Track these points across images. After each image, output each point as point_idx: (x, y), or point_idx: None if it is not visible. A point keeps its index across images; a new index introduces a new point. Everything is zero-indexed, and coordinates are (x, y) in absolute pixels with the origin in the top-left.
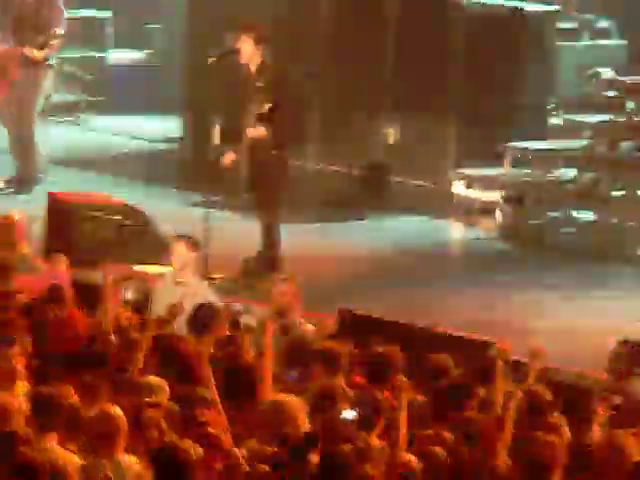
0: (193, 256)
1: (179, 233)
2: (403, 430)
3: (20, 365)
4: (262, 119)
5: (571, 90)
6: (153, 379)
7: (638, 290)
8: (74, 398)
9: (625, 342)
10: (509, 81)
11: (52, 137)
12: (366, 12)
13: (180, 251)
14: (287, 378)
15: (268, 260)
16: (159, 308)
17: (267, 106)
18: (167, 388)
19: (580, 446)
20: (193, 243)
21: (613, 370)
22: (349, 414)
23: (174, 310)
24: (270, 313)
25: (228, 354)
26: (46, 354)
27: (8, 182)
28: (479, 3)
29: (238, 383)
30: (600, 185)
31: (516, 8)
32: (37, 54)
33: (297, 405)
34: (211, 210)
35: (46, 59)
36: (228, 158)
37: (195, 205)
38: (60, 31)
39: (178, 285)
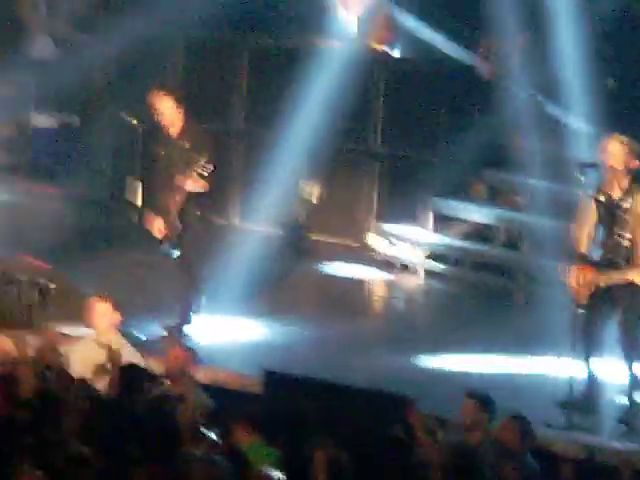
0: (117, 316)
1: (102, 294)
2: None
3: None
4: (200, 175)
5: None
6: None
7: None
8: None
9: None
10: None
11: None
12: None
13: (104, 311)
14: None
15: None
16: (80, 369)
17: (210, 167)
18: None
19: None
20: (117, 303)
21: None
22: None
23: (100, 371)
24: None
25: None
26: None
27: None
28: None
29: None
30: None
31: None
32: None
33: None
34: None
35: None
36: (155, 224)
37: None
38: None
39: (101, 346)
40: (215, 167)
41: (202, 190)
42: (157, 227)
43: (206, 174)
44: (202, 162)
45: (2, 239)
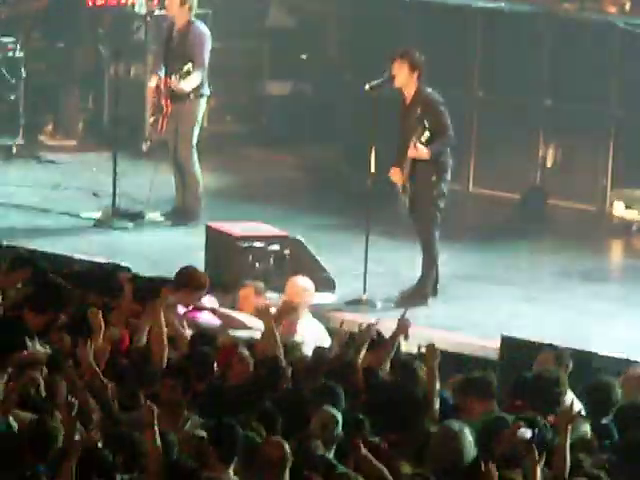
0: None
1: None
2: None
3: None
4: (421, 143)
5: None
6: None
7: None
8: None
9: None
10: None
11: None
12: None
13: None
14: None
15: (427, 282)
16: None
17: (427, 134)
18: None
19: None
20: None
21: None
22: (526, 433)
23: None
24: None
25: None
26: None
27: (166, 214)
28: None
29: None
30: None
31: None
32: (182, 85)
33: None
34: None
35: (194, 90)
36: (396, 174)
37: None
38: (201, 61)
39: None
40: (439, 133)
41: (423, 157)
42: (397, 176)
43: (424, 140)
44: (422, 127)
45: (235, 206)
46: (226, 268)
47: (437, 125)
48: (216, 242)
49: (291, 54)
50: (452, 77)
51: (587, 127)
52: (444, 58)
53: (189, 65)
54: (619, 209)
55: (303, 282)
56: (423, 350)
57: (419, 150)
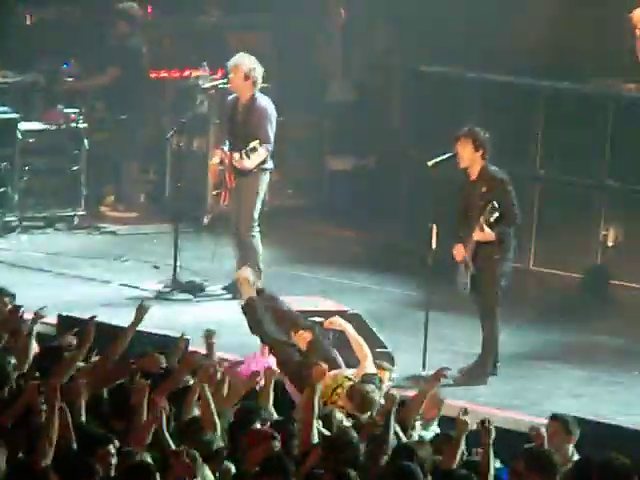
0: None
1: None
2: None
3: None
4: (489, 224)
5: None
6: None
7: None
8: None
9: None
10: None
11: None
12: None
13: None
14: None
15: (487, 360)
16: None
17: (495, 215)
18: None
19: None
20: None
21: None
22: None
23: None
24: None
25: None
26: None
27: (227, 288)
28: None
29: None
30: None
31: None
32: (246, 163)
33: None
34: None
35: (258, 165)
36: (459, 251)
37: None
38: (267, 137)
39: None
40: (505, 213)
41: (489, 239)
42: (460, 253)
43: (492, 220)
44: (490, 208)
45: (294, 279)
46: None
47: (505, 205)
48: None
49: (353, 128)
50: (514, 156)
51: None
52: (507, 136)
53: (255, 142)
54: None
55: None
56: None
57: (486, 233)
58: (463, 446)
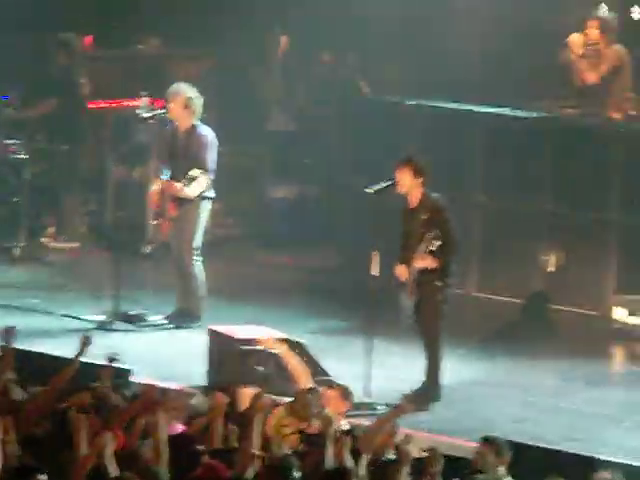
0: (344, 407)
1: (336, 383)
2: None
3: None
4: (430, 252)
5: None
6: None
7: None
8: None
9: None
10: None
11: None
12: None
13: (333, 399)
14: None
15: (430, 386)
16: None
17: (437, 243)
18: None
19: None
20: (347, 395)
21: None
22: None
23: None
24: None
25: None
26: None
27: (168, 317)
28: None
29: None
30: None
31: None
32: (187, 191)
33: None
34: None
35: (199, 194)
36: (402, 271)
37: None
38: (208, 166)
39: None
40: (447, 240)
41: (431, 266)
42: (403, 272)
43: (434, 249)
44: (431, 237)
45: (237, 308)
46: (227, 371)
47: (445, 232)
48: (218, 345)
49: (295, 158)
50: (456, 182)
51: (589, 232)
52: (448, 163)
53: (196, 171)
54: (622, 315)
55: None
56: (425, 454)
57: (427, 260)
58: (406, 475)
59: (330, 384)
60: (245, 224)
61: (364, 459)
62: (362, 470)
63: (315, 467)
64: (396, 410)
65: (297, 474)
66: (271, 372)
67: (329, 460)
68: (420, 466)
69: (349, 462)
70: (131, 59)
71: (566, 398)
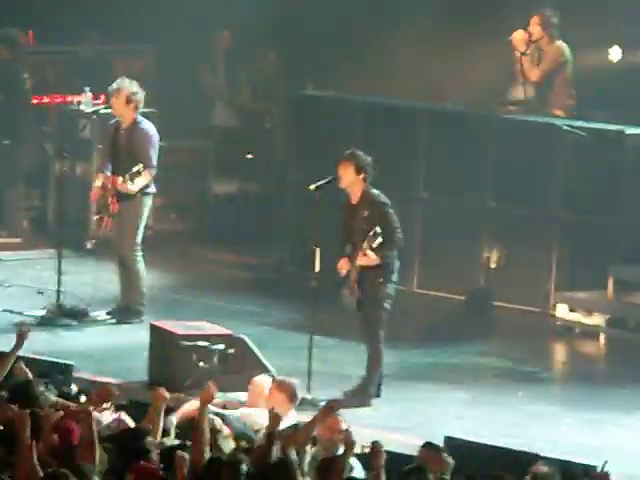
0: (289, 409)
1: (281, 379)
2: None
3: None
4: (372, 249)
5: None
6: None
7: None
8: None
9: None
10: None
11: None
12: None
13: (278, 400)
14: None
15: (371, 382)
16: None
17: (378, 240)
18: None
19: None
20: (293, 395)
21: None
22: None
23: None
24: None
25: None
26: None
27: (110, 312)
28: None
29: None
30: None
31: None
32: (130, 186)
33: None
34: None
35: (141, 189)
36: (344, 264)
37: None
38: (150, 161)
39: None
40: (388, 237)
41: (373, 263)
42: (345, 266)
43: (375, 246)
44: (373, 234)
45: (179, 304)
46: (169, 367)
47: (387, 229)
48: (160, 341)
49: (238, 153)
50: (398, 178)
51: (531, 228)
52: (389, 159)
53: (139, 166)
54: (563, 312)
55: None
56: (366, 450)
57: (369, 258)
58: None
59: (279, 384)
60: (187, 219)
61: (307, 452)
62: (305, 462)
63: (261, 461)
64: (325, 409)
65: (245, 468)
66: (213, 368)
67: (274, 454)
68: (364, 461)
69: (292, 455)
70: (74, 54)
71: (507, 395)
